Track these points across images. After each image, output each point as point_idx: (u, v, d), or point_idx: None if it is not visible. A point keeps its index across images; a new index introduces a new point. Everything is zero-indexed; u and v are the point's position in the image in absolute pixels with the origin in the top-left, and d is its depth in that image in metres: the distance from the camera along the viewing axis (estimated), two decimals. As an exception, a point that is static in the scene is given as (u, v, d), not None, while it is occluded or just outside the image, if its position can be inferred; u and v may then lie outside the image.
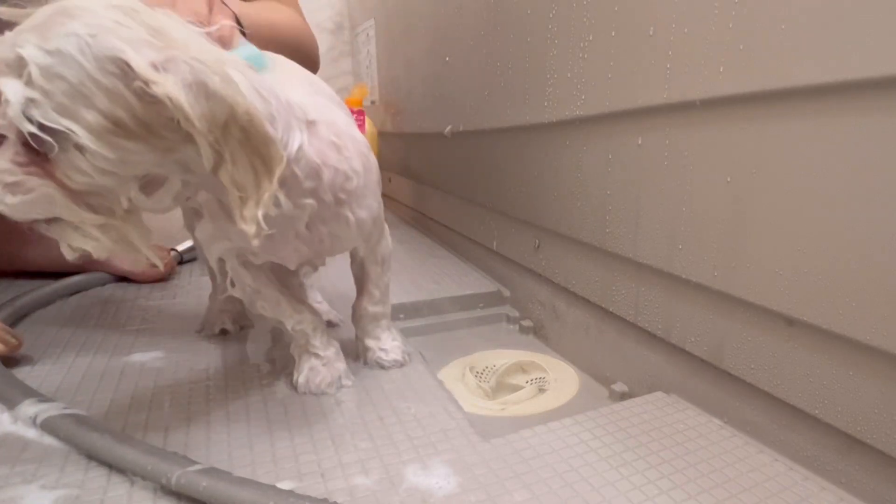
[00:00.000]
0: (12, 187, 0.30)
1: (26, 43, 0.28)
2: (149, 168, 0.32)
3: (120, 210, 0.33)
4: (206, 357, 0.54)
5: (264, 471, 0.37)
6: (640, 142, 0.49)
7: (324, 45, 1.50)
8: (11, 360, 0.51)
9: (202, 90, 0.30)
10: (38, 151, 0.30)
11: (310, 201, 0.40)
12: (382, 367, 0.53)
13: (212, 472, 0.35)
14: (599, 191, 0.55)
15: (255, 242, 0.33)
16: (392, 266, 0.54)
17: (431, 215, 1.09)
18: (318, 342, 0.48)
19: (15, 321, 0.61)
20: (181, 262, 0.84)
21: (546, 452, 0.40)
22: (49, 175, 0.31)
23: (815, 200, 0.36)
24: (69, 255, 0.34)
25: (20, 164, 0.30)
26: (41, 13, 0.29)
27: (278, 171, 0.33)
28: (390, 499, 0.35)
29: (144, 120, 0.30)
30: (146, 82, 0.29)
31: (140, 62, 0.29)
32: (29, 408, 0.42)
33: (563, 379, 0.59)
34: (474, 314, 0.73)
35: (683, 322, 0.47)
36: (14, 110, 0.28)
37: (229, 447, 0.40)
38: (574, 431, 0.42)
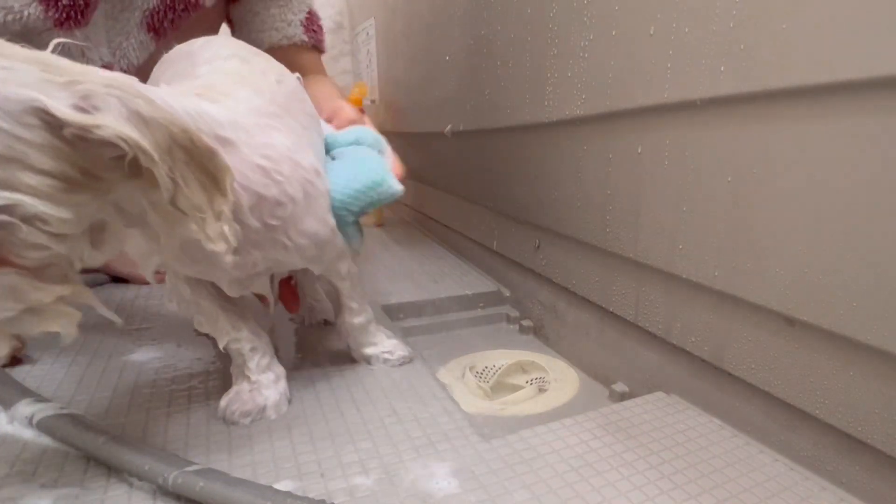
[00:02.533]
0: None
1: None
2: (92, 217, 0.29)
3: (73, 275, 0.30)
4: (206, 357, 0.54)
5: (264, 471, 0.37)
6: (640, 142, 0.49)
7: (323, 44, 1.50)
8: (11, 361, 0.51)
9: (139, 119, 0.27)
10: None
11: None
12: (392, 367, 0.53)
13: (208, 472, 0.35)
14: (600, 190, 0.55)
15: (229, 259, 0.32)
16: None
17: (431, 215, 1.09)
18: (253, 364, 0.45)
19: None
20: None
21: (546, 452, 0.40)
22: (3, 262, 0.26)
23: (816, 200, 0.35)
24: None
25: None
26: None
27: (229, 182, 0.31)
28: (390, 499, 0.35)
29: (85, 167, 0.27)
30: (84, 128, 0.26)
31: (62, 108, 0.26)
32: (25, 408, 0.41)
33: (563, 379, 0.59)
34: (474, 314, 0.73)
35: (684, 322, 0.47)
36: None
37: (229, 447, 0.40)
38: (574, 431, 0.42)
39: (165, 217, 0.31)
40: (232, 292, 0.42)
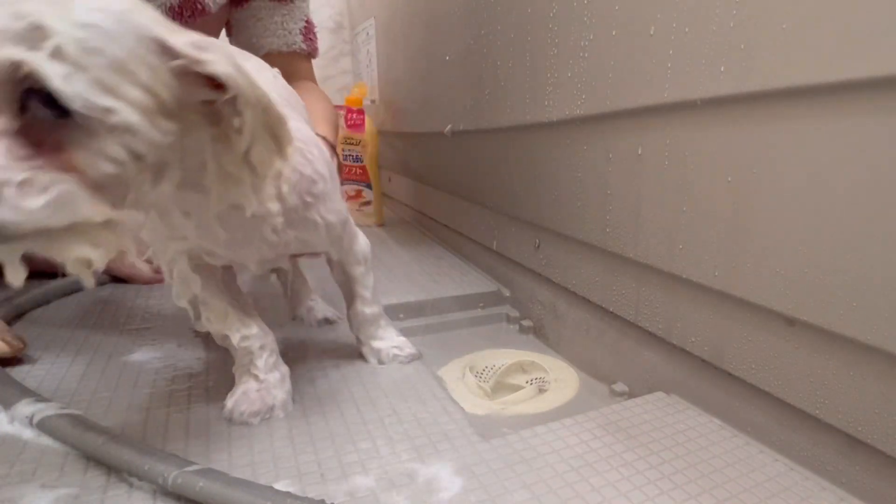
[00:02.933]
0: (24, 188, 0.25)
1: (41, 14, 0.24)
2: (164, 155, 0.30)
3: (124, 205, 0.29)
4: (206, 357, 0.54)
5: (264, 471, 0.37)
6: (640, 142, 0.49)
7: (324, 44, 1.50)
8: (12, 361, 0.51)
9: (238, 70, 0.29)
10: (40, 141, 0.26)
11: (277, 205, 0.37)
12: (401, 363, 0.54)
13: (208, 472, 0.35)
14: (600, 190, 0.55)
15: (280, 220, 0.34)
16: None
17: (431, 215, 1.09)
18: (261, 363, 0.44)
19: (13, 319, 0.61)
20: None
21: (546, 452, 0.40)
22: (66, 167, 0.26)
23: (816, 200, 0.35)
24: (75, 270, 0.29)
25: (21, 159, 0.25)
26: None
27: (289, 150, 0.33)
28: (390, 499, 0.35)
29: (179, 101, 0.29)
30: (194, 62, 0.28)
31: (179, 42, 0.28)
32: (25, 408, 0.41)
33: (563, 379, 0.59)
34: (474, 314, 0.73)
35: (684, 322, 0.47)
36: (54, 85, 0.24)
37: (229, 447, 0.40)
38: (574, 431, 0.42)
39: (222, 176, 0.32)
40: (258, 271, 0.44)
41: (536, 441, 0.41)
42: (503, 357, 0.63)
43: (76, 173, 0.26)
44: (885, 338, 0.33)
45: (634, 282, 0.53)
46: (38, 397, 0.43)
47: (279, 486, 0.35)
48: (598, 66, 0.52)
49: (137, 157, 0.28)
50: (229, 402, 0.44)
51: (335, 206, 0.45)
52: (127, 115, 0.27)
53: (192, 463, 0.35)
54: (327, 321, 0.64)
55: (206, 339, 0.58)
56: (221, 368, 0.52)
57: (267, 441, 0.41)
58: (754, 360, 0.41)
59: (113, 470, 0.37)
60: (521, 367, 0.62)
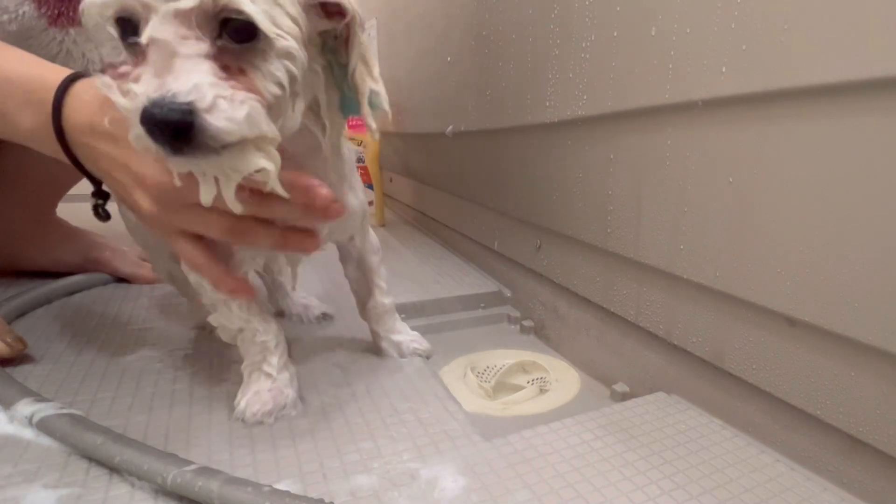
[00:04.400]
0: (230, 102, 0.28)
1: None
2: (299, 83, 0.33)
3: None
4: (208, 357, 0.54)
5: (265, 470, 0.37)
6: (641, 142, 0.49)
7: (325, 44, 1.50)
8: (13, 361, 0.51)
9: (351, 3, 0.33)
10: (227, 66, 0.29)
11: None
12: (421, 356, 0.55)
13: (207, 471, 0.35)
14: (601, 191, 0.55)
15: (377, 136, 0.37)
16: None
17: (432, 215, 1.09)
18: (275, 361, 0.44)
19: (13, 318, 0.61)
20: None
21: (548, 452, 0.40)
22: (249, 87, 0.30)
23: (817, 201, 0.36)
24: (260, 177, 0.32)
25: (222, 79, 0.28)
26: None
27: (377, 73, 0.36)
28: (392, 498, 0.35)
29: (316, 32, 0.33)
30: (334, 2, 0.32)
31: None
32: (25, 407, 0.41)
33: (564, 379, 0.59)
34: (475, 314, 0.73)
35: (685, 322, 0.47)
36: (250, 11, 0.28)
37: (230, 447, 0.40)
38: (575, 431, 0.42)
39: (332, 107, 0.37)
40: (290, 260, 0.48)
41: (538, 441, 0.41)
42: (504, 357, 0.63)
43: (255, 93, 0.30)
44: (887, 338, 0.33)
45: (635, 282, 0.53)
46: (37, 397, 0.43)
47: (281, 485, 0.36)
48: (600, 67, 0.53)
49: (292, 80, 0.31)
50: (241, 402, 0.43)
51: (361, 187, 0.47)
52: (289, 40, 0.30)
53: (190, 462, 0.36)
54: (325, 316, 0.64)
55: (208, 339, 0.58)
56: (222, 369, 0.52)
57: (268, 441, 0.41)
58: (755, 361, 0.41)
59: (114, 470, 0.37)
60: (523, 368, 0.62)
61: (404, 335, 0.55)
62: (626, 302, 0.54)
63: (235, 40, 0.29)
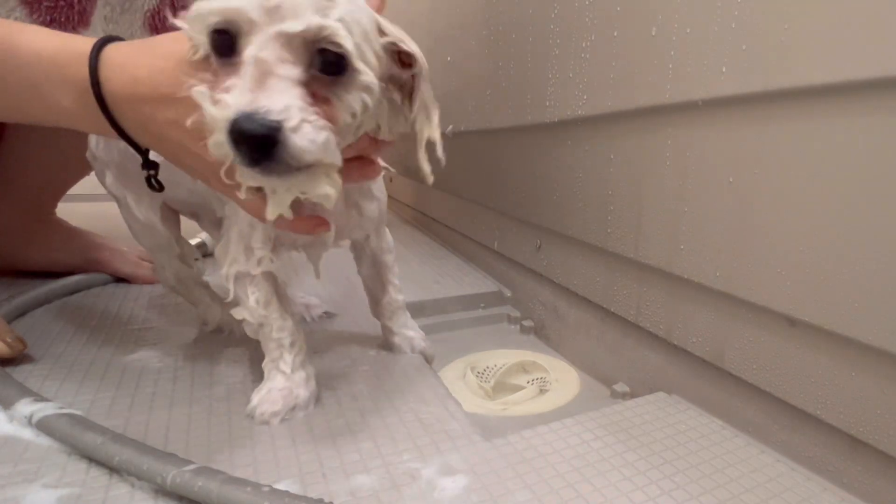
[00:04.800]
0: (314, 127, 0.30)
1: None
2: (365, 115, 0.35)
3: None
4: (208, 357, 0.54)
5: (266, 470, 0.37)
6: (641, 142, 0.49)
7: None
8: (13, 361, 0.51)
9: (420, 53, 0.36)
10: (314, 93, 0.31)
11: None
12: (426, 354, 0.55)
13: (206, 471, 0.35)
14: (601, 191, 0.55)
15: (431, 180, 0.38)
16: None
17: (432, 215, 1.09)
18: (290, 359, 0.44)
19: (13, 318, 0.61)
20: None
21: (548, 453, 0.40)
22: (328, 116, 0.32)
23: (818, 201, 0.36)
24: (322, 201, 0.33)
25: (309, 105, 0.31)
26: None
27: (436, 122, 0.38)
28: (392, 499, 0.35)
29: (384, 69, 0.35)
30: (399, 41, 0.35)
31: (390, 27, 0.34)
32: (24, 407, 0.41)
33: (564, 379, 0.59)
34: (475, 314, 0.73)
35: (685, 322, 0.47)
36: (348, 46, 0.30)
37: (230, 447, 0.40)
38: (576, 432, 0.42)
39: (391, 132, 0.39)
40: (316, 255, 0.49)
41: (538, 441, 0.41)
42: (504, 357, 0.63)
43: (333, 122, 0.32)
44: (887, 338, 0.33)
45: (636, 282, 0.53)
46: (37, 397, 0.43)
47: (281, 485, 0.36)
48: (600, 67, 0.53)
49: (364, 110, 0.33)
50: (255, 399, 0.44)
51: (381, 190, 0.48)
52: (371, 75, 0.32)
53: (190, 462, 0.35)
54: (327, 315, 0.64)
55: (208, 339, 0.58)
56: (222, 369, 0.52)
57: (268, 441, 0.41)
58: (756, 361, 0.41)
59: (114, 470, 0.37)
60: (523, 367, 0.62)
61: (416, 332, 0.56)
62: (626, 302, 0.54)
63: (326, 72, 0.31)
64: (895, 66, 0.30)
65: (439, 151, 0.38)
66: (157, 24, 0.61)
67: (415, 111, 0.37)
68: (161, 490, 0.35)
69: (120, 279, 0.76)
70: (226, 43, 0.31)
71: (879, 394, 0.34)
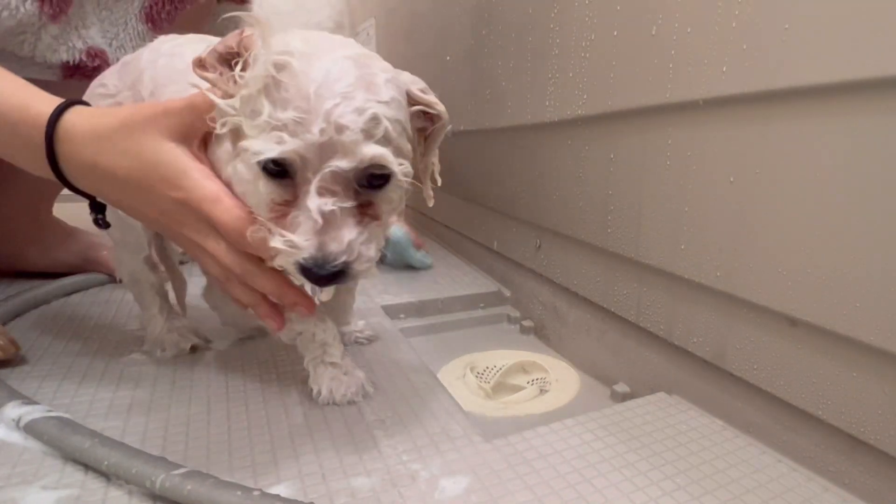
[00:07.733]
0: (366, 245, 0.34)
1: (365, 101, 0.32)
2: None
3: None
4: (206, 359, 0.54)
5: (265, 472, 0.37)
6: (641, 142, 0.49)
7: (324, 44, 1.50)
8: (7, 363, 0.51)
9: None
10: (361, 204, 0.34)
11: None
12: (361, 344, 0.58)
13: (196, 475, 0.34)
14: (601, 190, 0.55)
15: (431, 202, 0.42)
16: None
17: (432, 215, 1.09)
18: (336, 351, 0.47)
19: (10, 319, 0.61)
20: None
21: (548, 453, 0.40)
22: (373, 215, 0.35)
23: (818, 200, 0.35)
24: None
25: (358, 223, 0.33)
26: (328, 61, 0.32)
27: (436, 158, 0.41)
28: (392, 499, 0.35)
29: (413, 142, 0.37)
30: (429, 105, 0.37)
31: (417, 91, 0.36)
32: (12, 410, 0.41)
33: (564, 379, 0.59)
34: (475, 314, 0.73)
35: (686, 322, 0.47)
36: (395, 171, 0.33)
37: (229, 449, 0.40)
38: (576, 432, 0.42)
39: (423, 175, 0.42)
40: None
41: (538, 441, 0.41)
42: (504, 357, 0.63)
43: (377, 219, 0.35)
44: (888, 338, 0.33)
45: (636, 282, 0.52)
46: (25, 399, 0.42)
47: (281, 487, 0.35)
48: (600, 67, 0.52)
49: (402, 198, 0.36)
50: (323, 390, 0.46)
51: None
52: (408, 166, 0.34)
53: (179, 466, 0.35)
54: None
55: (207, 340, 0.58)
56: (222, 371, 0.52)
57: (268, 443, 0.41)
58: (756, 361, 0.41)
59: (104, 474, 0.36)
60: (522, 368, 0.62)
61: (357, 325, 0.59)
62: (626, 302, 0.54)
63: (371, 187, 0.34)
64: (895, 66, 0.30)
65: (437, 181, 0.42)
66: (154, 16, 0.61)
67: (430, 154, 0.40)
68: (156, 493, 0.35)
69: (119, 280, 0.76)
70: (279, 172, 0.33)
71: (880, 394, 0.34)
